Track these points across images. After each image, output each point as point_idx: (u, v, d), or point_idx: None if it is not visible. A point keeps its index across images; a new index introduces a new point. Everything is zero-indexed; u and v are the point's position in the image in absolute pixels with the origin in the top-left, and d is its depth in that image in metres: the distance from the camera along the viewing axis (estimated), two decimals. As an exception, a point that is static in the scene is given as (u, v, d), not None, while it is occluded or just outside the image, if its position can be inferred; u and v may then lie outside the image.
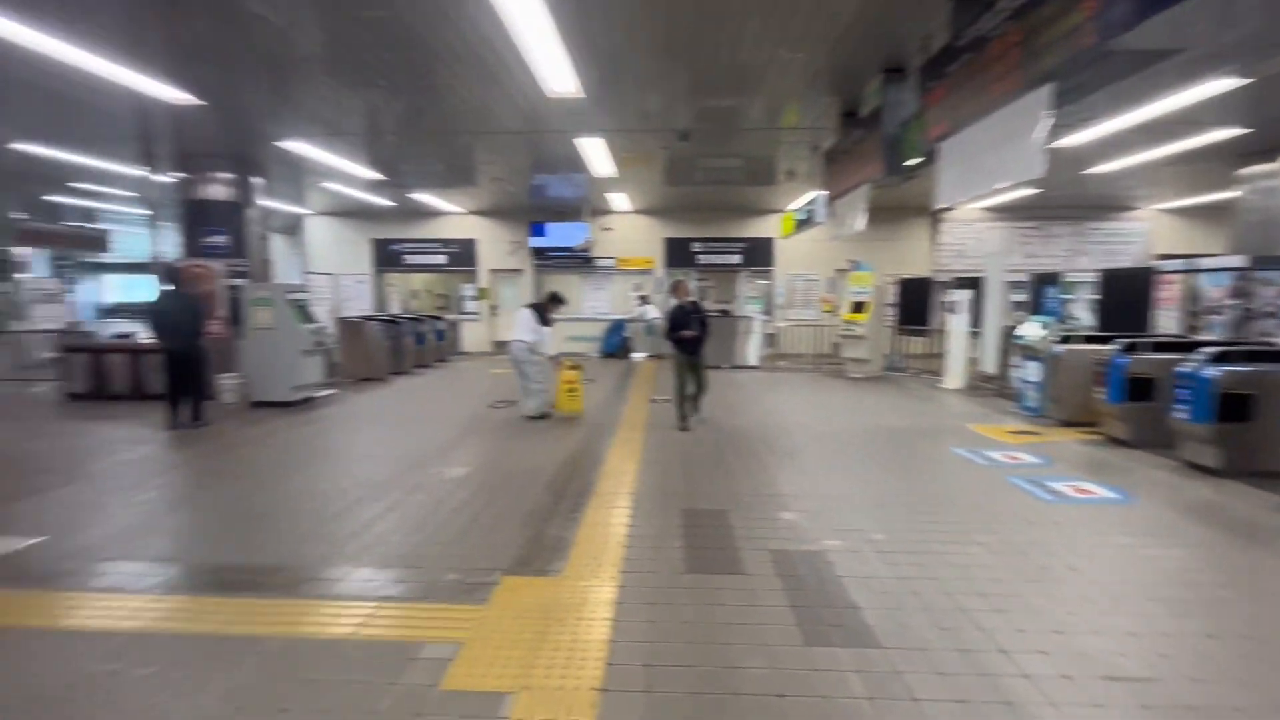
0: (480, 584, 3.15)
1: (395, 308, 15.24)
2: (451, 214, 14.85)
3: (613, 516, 4.09)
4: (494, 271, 15.15)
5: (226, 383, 8.21)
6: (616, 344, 13.96)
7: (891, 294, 11.71)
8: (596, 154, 8.81)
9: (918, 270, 13.21)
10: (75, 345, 8.88)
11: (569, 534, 3.80)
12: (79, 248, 15.01)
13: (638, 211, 14.63)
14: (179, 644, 2.62)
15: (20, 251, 13.90)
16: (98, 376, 8.47)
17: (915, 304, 11.31)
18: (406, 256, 15.30)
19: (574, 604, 2.95)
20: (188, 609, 2.90)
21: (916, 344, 11.75)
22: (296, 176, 10.63)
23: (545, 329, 7.10)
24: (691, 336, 6.44)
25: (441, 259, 15.24)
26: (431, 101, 6.71)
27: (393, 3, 4.43)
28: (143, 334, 8.83)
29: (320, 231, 15.31)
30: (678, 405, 6.63)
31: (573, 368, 7.21)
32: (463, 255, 15.09)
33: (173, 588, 3.13)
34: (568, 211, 13.71)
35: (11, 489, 4.65)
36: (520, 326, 7.12)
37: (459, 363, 12.88)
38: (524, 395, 7.24)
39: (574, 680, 2.36)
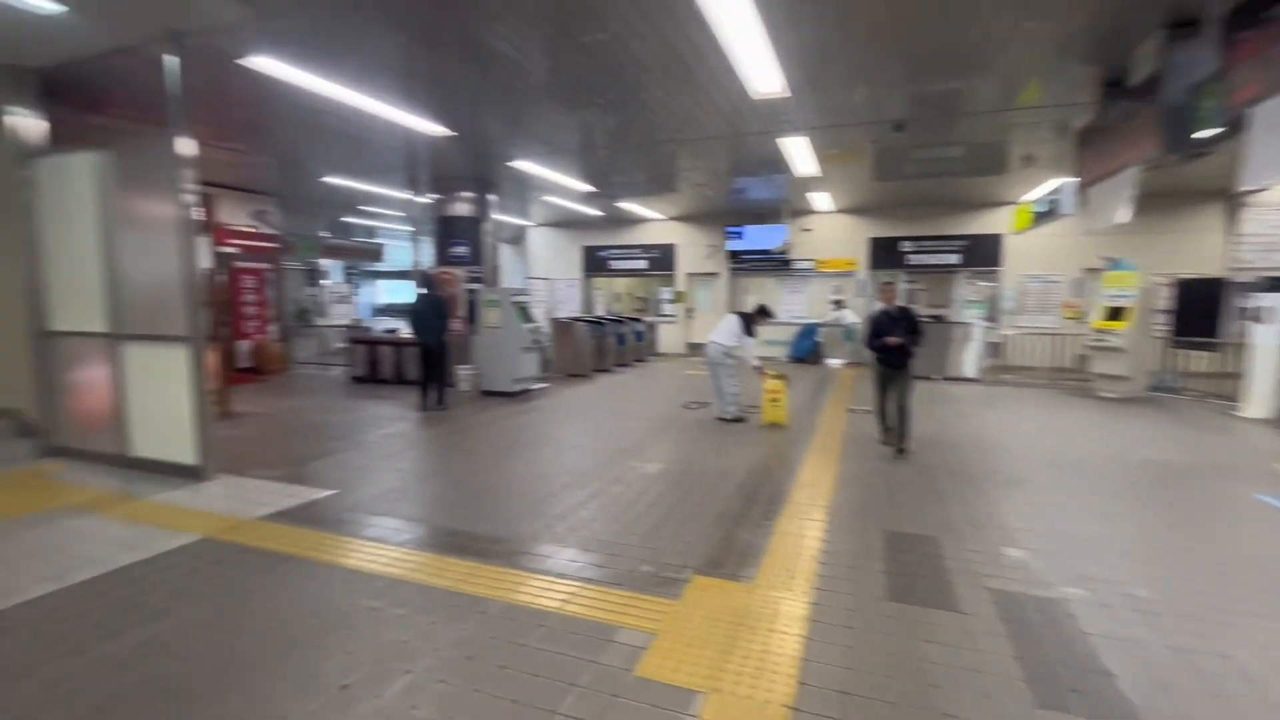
0: (673, 579, 3.22)
1: (600, 310, 16.38)
2: (653, 220, 15.54)
3: (807, 529, 3.92)
4: (691, 275, 15.52)
5: (464, 373, 9.52)
6: (808, 349, 13.43)
7: (1164, 298, 9.61)
8: (799, 153, 8.55)
9: (1203, 269, 10.66)
10: (358, 338, 10.99)
11: (760, 541, 3.73)
12: (362, 259, 18.59)
13: (840, 211, 13.91)
14: (423, 594, 3.08)
15: (324, 262, 17.58)
16: (372, 363, 10.39)
17: (1198, 310, 9.13)
18: (611, 262, 16.36)
19: (766, 614, 2.88)
20: (430, 565, 3.40)
21: (1199, 360, 9.49)
22: (522, 192, 11.97)
23: (748, 339, 7.09)
24: (895, 344, 5.68)
25: (642, 264, 16.02)
26: (640, 114, 7.07)
27: (611, 25, 4.75)
28: (403, 330, 10.64)
29: (540, 240, 17.06)
30: (879, 419, 6.07)
31: (777, 377, 7.04)
32: (662, 260, 15.70)
33: (419, 544, 3.69)
34: (766, 214, 13.52)
35: (314, 450, 5.89)
36: (722, 330, 7.19)
37: (655, 363, 13.40)
38: (717, 397, 7.30)
39: (764, 692, 2.30)
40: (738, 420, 7.13)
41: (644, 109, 6.86)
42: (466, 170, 10.01)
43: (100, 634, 2.69)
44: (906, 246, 13.60)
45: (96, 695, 2.29)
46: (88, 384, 5.36)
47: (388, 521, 4.04)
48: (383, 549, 3.60)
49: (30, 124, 5.40)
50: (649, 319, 14.78)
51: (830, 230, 14.08)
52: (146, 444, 5.10)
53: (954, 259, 13.31)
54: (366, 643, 2.64)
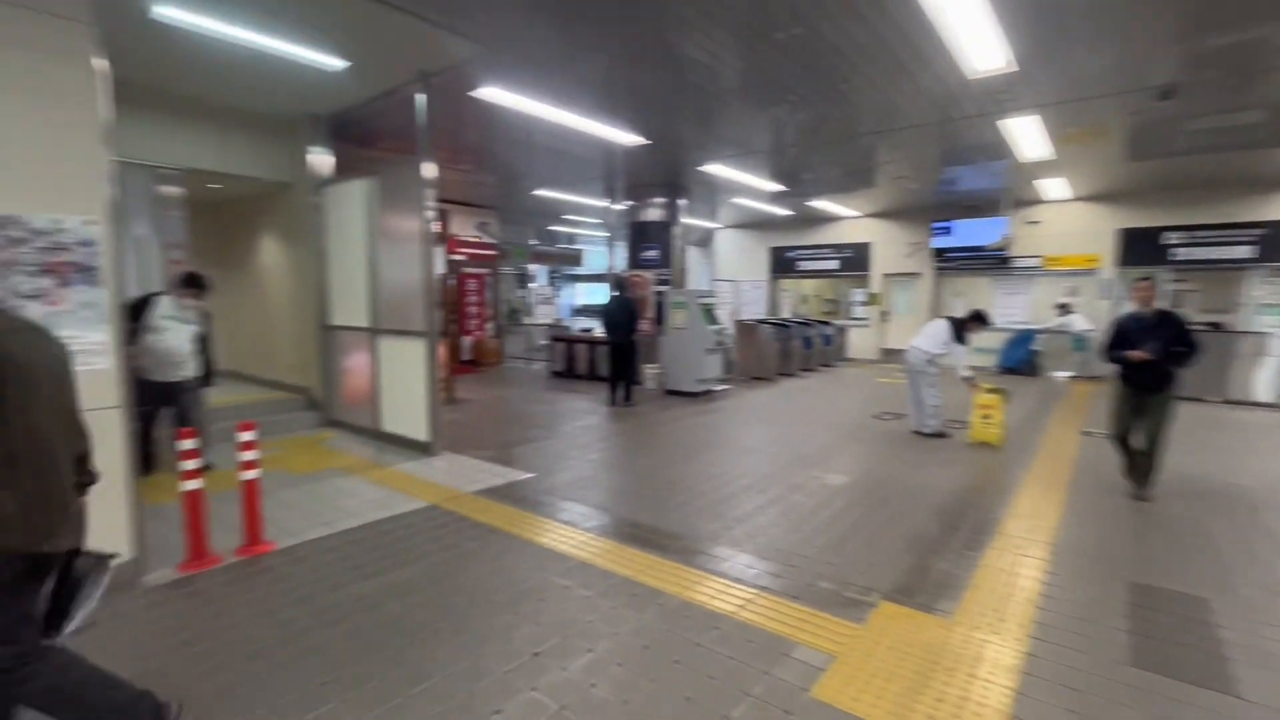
0: (856, 601, 3.02)
1: (786, 312, 15.95)
2: (846, 218, 14.72)
3: (1022, 567, 3.42)
4: (887, 276, 14.41)
5: (650, 372, 9.91)
6: (1022, 358, 11.71)
7: None
8: (1027, 135, 7.47)
9: None
10: (558, 336, 12.01)
11: (962, 573, 3.33)
12: (564, 263, 20.27)
13: (1079, 198, 11.89)
14: (605, 579, 3.25)
15: (531, 267, 19.47)
16: (569, 360, 11.29)
17: None
18: (799, 263, 15.83)
19: (966, 656, 2.56)
20: (612, 552, 3.59)
21: None
22: (711, 195, 12.10)
23: (959, 346, 6.38)
24: (1139, 359, 4.37)
25: (833, 264, 15.26)
26: (836, 107, 6.73)
27: (807, 18, 4.59)
28: (597, 329, 11.39)
29: (727, 242, 17.11)
30: (1120, 448, 4.77)
31: (993, 390, 6.24)
32: (855, 259, 14.80)
33: (604, 531, 3.91)
34: (981, 206, 12.06)
35: (518, 436, 6.56)
36: (927, 335, 6.57)
37: (844, 369, 12.70)
38: (914, 408, 6.68)
39: (962, 744, 2.05)
40: (938, 435, 6.46)
41: (840, 102, 6.52)
42: (659, 176, 10.39)
43: (357, 575, 3.27)
44: (1173, 238, 11.17)
45: (351, 624, 2.79)
46: (353, 369, 6.56)
47: (577, 507, 4.35)
48: (572, 532, 3.88)
49: (322, 160, 6.75)
50: (838, 322, 14.05)
51: (1065, 221, 12.10)
52: (392, 421, 6.09)
53: (1245, 252, 10.61)
54: (555, 617, 2.86)
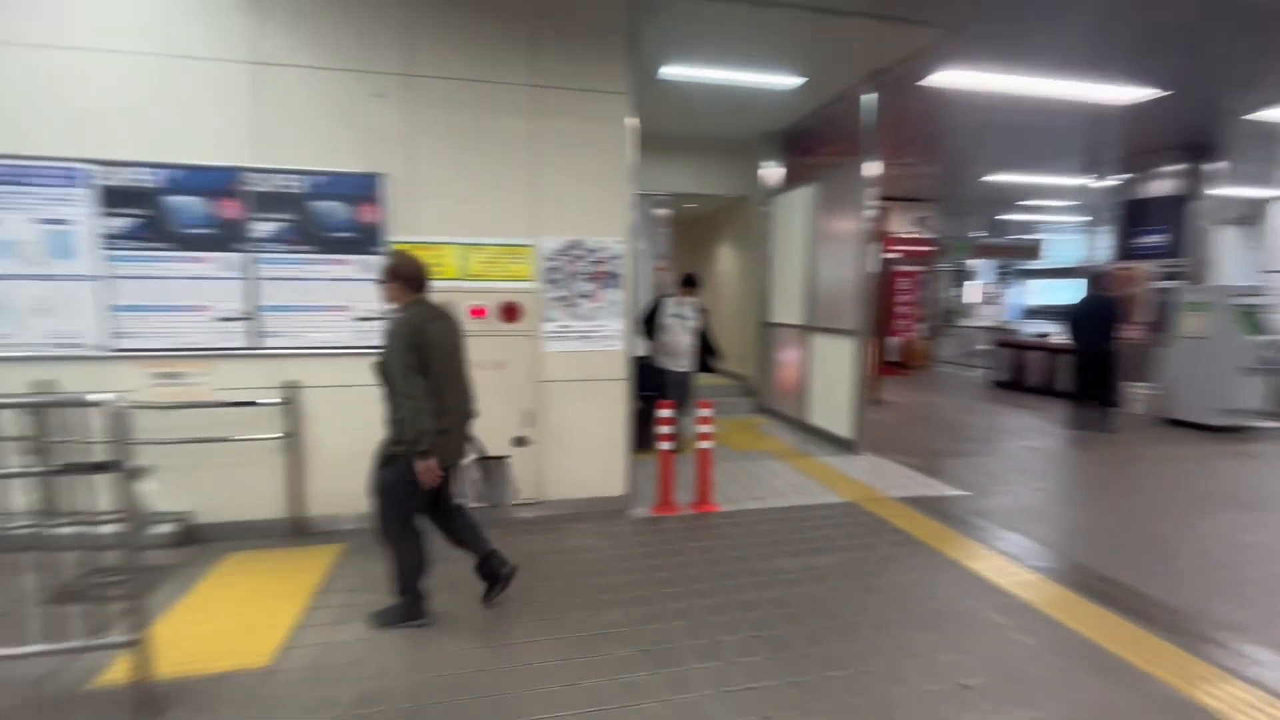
0: None
1: None
2: None
3: None
4: None
5: (1138, 392, 7.70)
6: None
7: None
8: None
9: None
10: (1003, 341, 10.42)
11: None
12: (1016, 257, 17.39)
13: None
14: (1055, 631, 2.72)
15: (971, 263, 17.33)
16: (1018, 369, 9.68)
17: None
18: None
19: None
20: (1067, 602, 2.96)
21: None
22: (1267, 152, 8.52)
23: None
24: None
25: None
26: None
27: None
28: (1058, 334, 9.43)
29: (1293, 217, 11.81)
30: None
31: None
32: None
33: (1056, 576, 3.26)
34: None
35: (948, 448, 6.00)
36: None
37: None
38: None
39: None
40: None
41: None
42: (1173, 137, 7.88)
43: (780, 551, 3.58)
44: None
45: (778, 593, 3.07)
46: (785, 363, 7.10)
47: (1018, 539, 3.75)
48: (1011, 565, 3.37)
49: (773, 172, 7.47)
50: None
51: None
52: (817, 414, 6.36)
53: None
54: (986, 653, 2.55)
